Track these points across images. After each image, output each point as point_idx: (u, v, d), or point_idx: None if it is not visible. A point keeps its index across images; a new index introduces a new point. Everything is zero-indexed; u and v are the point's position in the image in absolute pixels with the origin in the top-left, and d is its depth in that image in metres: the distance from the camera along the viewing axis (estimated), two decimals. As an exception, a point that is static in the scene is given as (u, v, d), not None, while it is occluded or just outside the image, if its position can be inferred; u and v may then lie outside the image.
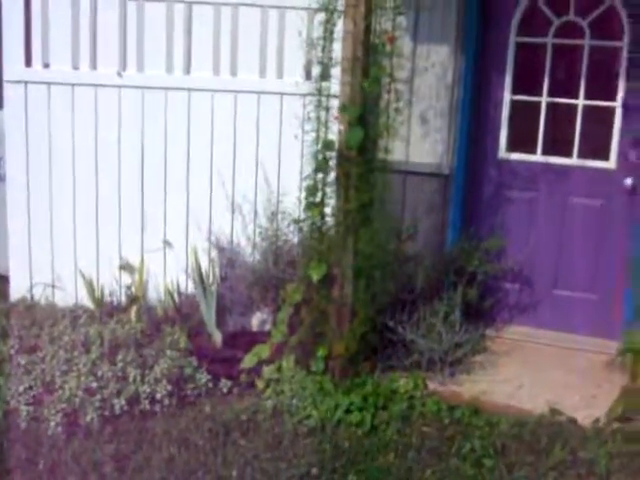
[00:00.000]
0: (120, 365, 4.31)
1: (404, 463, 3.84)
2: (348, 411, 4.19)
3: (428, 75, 5.34)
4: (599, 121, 5.21)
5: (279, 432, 4.06)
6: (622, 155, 5.14)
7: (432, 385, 4.54)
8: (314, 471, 3.75)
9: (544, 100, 5.30)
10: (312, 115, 4.49)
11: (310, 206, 4.51)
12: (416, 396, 4.35)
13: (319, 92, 4.46)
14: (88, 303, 5.30)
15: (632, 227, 5.11)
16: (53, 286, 5.45)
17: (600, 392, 4.56)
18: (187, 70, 5.26)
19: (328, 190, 4.48)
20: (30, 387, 4.21)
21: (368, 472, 3.76)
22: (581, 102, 5.21)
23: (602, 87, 5.17)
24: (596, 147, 5.24)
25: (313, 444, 3.97)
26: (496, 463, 3.83)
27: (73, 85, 5.26)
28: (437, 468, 3.80)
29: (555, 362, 4.99)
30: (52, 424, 4.01)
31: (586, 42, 5.14)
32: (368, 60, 4.29)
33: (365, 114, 4.32)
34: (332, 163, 4.44)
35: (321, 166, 4.46)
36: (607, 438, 4.01)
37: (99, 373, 4.24)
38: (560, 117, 5.31)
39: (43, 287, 5.43)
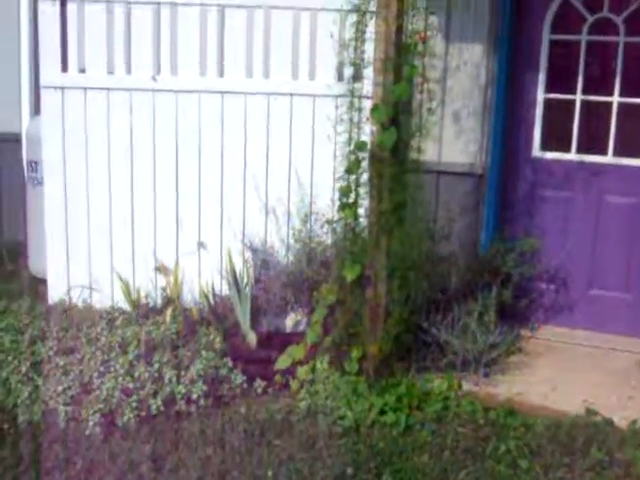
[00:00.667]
0: (156, 366, 4.35)
1: (439, 464, 3.83)
2: (382, 412, 4.19)
3: (461, 74, 5.32)
4: (634, 118, 5.15)
5: (313, 433, 4.08)
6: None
7: (467, 386, 4.53)
8: (349, 471, 3.75)
9: (578, 98, 5.26)
10: (344, 116, 4.50)
11: (343, 207, 4.52)
12: (451, 397, 4.34)
13: (351, 93, 4.46)
14: (124, 305, 5.36)
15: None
16: (90, 288, 5.52)
17: (637, 393, 4.50)
18: (220, 73, 5.30)
19: (361, 191, 4.48)
20: (68, 387, 4.26)
21: (403, 473, 3.76)
22: (616, 99, 5.16)
23: (637, 84, 5.12)
24: (632, 145, 5.19)
25: (347, 444, 3.97)
26: (532, 464, 3.80)
27: (109, 90, 5.32)
28: (472, 469, 3.79)
29: (590, 362, 4.94)
30: (90, 424, 4.06)
31: (620, 39, 5.10)
32: (400, 60, 4.27)
33: (398, 114, 4.31)
34: (365, 164, 4.44)
35: (354, 167, 4.46)
36: (645, 439, 3.97)
37: (136, 374, 4.29)
38: (595, 115, 5.27)
39: (80, 289, 5.50)
